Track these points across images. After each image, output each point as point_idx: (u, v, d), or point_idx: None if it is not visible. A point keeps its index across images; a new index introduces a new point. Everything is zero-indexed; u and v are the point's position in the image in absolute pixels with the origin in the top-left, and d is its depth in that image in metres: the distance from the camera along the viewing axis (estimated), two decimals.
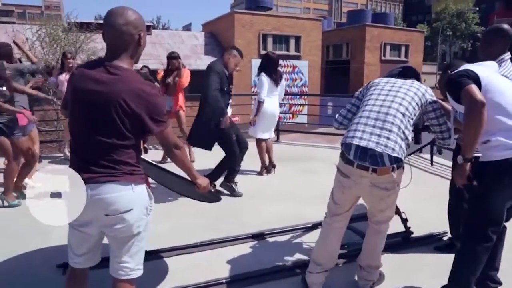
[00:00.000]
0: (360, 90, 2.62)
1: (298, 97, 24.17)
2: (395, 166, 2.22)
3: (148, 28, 25.61)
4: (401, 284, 2.70)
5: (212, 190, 2.40)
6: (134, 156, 1.80)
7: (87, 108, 1.73)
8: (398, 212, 3.22)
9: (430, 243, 3.27)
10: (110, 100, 1.68)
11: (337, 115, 2.61)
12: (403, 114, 2.30)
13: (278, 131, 7.77)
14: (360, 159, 2.22)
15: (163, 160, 5.71)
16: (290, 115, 16.29)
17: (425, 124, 2.67)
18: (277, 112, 5.39)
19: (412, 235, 3.31)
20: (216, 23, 26.89)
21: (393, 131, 2.23)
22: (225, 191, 4.48)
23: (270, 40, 25.74)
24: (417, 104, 2.37)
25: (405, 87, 2.42)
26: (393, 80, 2.53)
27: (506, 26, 2.90)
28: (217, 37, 26.34)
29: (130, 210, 1.76)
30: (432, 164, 2.83)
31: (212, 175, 4.44)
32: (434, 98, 2.46)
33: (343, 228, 2.54)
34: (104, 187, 1.71)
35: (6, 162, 4.21)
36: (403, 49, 30.45)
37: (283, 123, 10.64)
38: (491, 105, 2.08)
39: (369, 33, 29.12)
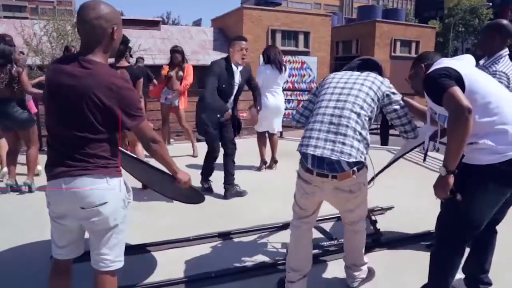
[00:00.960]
0: (317, 85, 2.50)
1: (306, 93, 24.05)
2: (355, 169, 2.12)
3: (157, 23, 25.73)
4: (394, 280, 2.68)
5: (195, 187, 2.33)
6: (109, 149, 1.79)
7: (60, 102, 1.73)
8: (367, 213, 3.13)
9: (426, 240, 3.24)
10: (81, 95, 1.69)
11: (294, 113, 2.53)
12: (358, 114, 2.18)
13: (281, 127, 7.72)
14: (318, 167, 2.14)
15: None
16: None
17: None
18: (277, 104, 5.31)
19: (410, 233, 3.28)
20: (225, 19, 26.91)
21: (348, 134, 2.13)
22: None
23: (279, 36, 25.70)
24: (372, 99, 2.24)
25: (359, 82, 2.30)
26: (348, 73, 2.41)
27: (505, 22, 2.86)
28: (226, 33, 26.36)
29: (105, 203, 1.76)
30: (424, 160, 2.72)
31: (202, 171, 4.53)
32: (392, 90, 2.33)
33: (311, 230, 2.48)
34: (78, 181, 1.72)
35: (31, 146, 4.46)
36: (413, 45, 30.15)
37: (290, 119, 10.60)
38: (477, 106, 1.90)
39: (379, 29, 28.87)
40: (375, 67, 2.49)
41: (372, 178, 3.04)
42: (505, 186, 2.01)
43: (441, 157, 5.25)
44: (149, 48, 19.67)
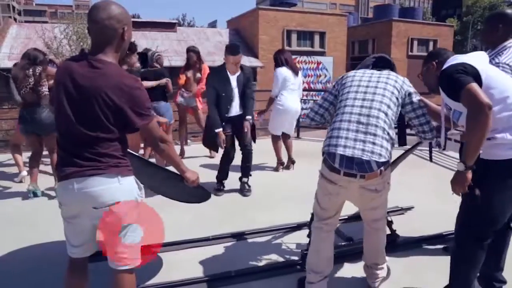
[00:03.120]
0: (333, 84, 2.47)
1: (322, 93, 23.94)
2: (382, 168, 2.11)
3: (173, 25, 25.96)
4: (414, 281, 2.64)
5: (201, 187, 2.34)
6: (120, 148, 1.80)
7: (72, 102, 1.73)
8: None
9: (445, 242, 3.18)
10: (92, 94, 1.69)
11: (308, 111, 2.50)
12: (386, 114, 2.17)
13: (298, 127, 7.72)
14: (347, 167, 2.10)
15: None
16: None
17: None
18: (296, 109, 5.30)
19: (430, 234, 3.22)
20: (240, 20, 26.98)
21: (378, 134, 2.11)
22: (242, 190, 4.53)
23: (294, 36, 25.63)
24: (397, 98, 2.24)
25: (383, 81, 2.28)
26: (368, 72, 2.37)
27: (509, 11, 2.75)
28: (242, 34, 26.43)
29: (118, 202, 1.77)
30: (431, 160, 2.66)
31: (218, 173, 4.56)
32: (412, 89, 2.32)
33: (332, 232, 2.44)
34: (90, 181, 1.72)
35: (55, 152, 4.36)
36: (431, 44, 29.72)
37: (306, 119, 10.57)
38: (494, 101, 1.89)
39: (396, 28, 28.55)
40: (388, 65, 2.47)
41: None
42: None
43: (457, 155, 5.18)
44: (166, 50, 19.88)
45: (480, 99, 1.82)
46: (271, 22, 24.98)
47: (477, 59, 2.06)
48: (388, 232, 3.08)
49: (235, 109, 4.34)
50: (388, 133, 2.14)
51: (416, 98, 2.30)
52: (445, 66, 2.07)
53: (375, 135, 2.11)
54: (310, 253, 2.44)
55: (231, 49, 4.25)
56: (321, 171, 2.30)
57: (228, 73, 4.28)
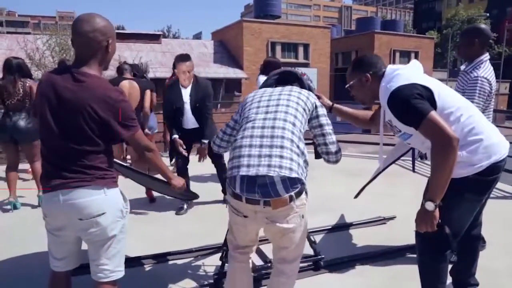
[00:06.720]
0: (237, 110, 2.20)
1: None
2: (293, 194, 1.78)
3: (158, 37, 25.98)
4: None
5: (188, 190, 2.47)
6: (106, 160, 1.80)
7: (55, 115, 1.73)
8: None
9: None
10: (77, 107, 1.69)
11: (214, 138, 2.27)
12: (293, 124, 1.90)
13: None
14: (248, 191, 1.79)
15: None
16: None
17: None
18: None
19: (404, 245, 3.25)
20: (225, 32, 27.15)
21: (285, 146, 1.83)
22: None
23: (278, 48, 25.88)
24: (304, 110, 1.99)
25: (285, 94, 2.04)
26: (269, 90, 2.14)
27: (483, 26, 2.87)
28: (226, 45, 26.58)
29: (103, 213, 1.76)
30: (414, 170, 2.66)
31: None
32: (318, 103, 2.08)
33: (248, 261, 2.14)
34: (76, 192, 1.72)
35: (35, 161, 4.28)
36: (412, 55, 30.34)
37: None
38: (450, 121, 1.85)
39: (378, 40, 29.10)
40: (295, 79, 2.29)
41: (361, 190, 2.96)
42: (480, 193, 2.04)
43: None
44: (150, 61, 19.84)
45: (447, 134, 1.73)
46: (256, 34, 25.22)
47: (422, 75, 1.97)
48: (312, 253, 2.86)
49: (190, 122, 4.12)
50: (298, 146, 1.86)
51: (323, 111, 2.08)
52: (393, 86, 1.90)
53: (282, 147, 1.82)
54: (226, 282, 2.18)
55: (181, 56, 4.06)
56: (227, 199, 2.00)
57: (181, 86, 4.07)
